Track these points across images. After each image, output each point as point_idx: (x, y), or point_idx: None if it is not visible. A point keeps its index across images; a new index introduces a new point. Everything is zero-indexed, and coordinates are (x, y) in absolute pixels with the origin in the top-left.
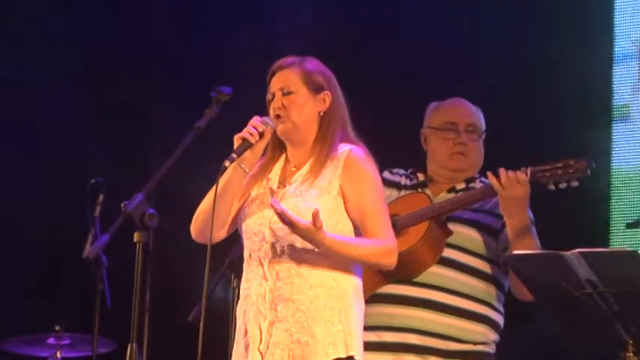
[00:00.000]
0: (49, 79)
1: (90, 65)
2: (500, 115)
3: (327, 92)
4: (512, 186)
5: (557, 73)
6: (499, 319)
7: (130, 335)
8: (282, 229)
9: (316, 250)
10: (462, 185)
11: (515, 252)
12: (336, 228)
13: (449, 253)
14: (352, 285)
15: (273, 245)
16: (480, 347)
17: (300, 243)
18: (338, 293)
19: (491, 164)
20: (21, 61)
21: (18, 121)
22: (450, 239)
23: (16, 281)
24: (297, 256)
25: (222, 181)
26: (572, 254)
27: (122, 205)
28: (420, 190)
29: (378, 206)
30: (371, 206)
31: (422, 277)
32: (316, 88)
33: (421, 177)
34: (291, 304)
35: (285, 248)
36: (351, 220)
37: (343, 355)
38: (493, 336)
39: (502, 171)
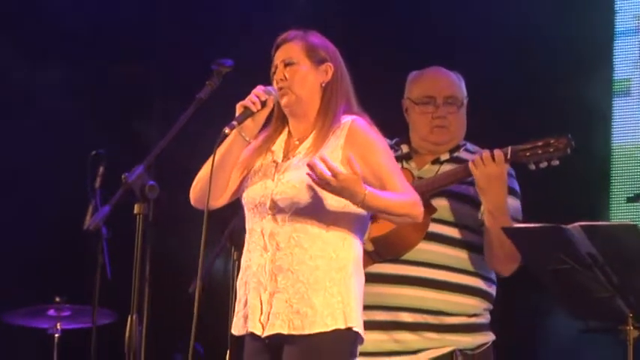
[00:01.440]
0: (47, 56)
1: (89, 41)
2: (498, 89)
3: (329, 64)
4: (487, 164)
5: (558, 47)
6: (490, 288)
7: (130, 307)
8: (284, 200)
9: (355, 204)
10: (447, 156)
11: (516, 225)
12: (337, 198)
13: (434, 227)
14: (352, 257)
15: (274, 216)
16: (473, 319)
17: (301, 214)
18: (338, 264)
19: (486, 138)
20: (18, 39)
21: (19, 95)
22: (435, 214)
23: (15, 253)
24: (299, 227)
25: (222, 148)
26: (573, 227)
27: (123, 176)
28: (404, 162)
29: (392, 167)
30: (385, 169)
31: (409, 255)
32: (319, 60)
33: (405, 148)
34: (291, 275)
35: (287, 219)
36: (372, 183)
37: (342, 327)
38: (485, 305)
39: (483, 152)
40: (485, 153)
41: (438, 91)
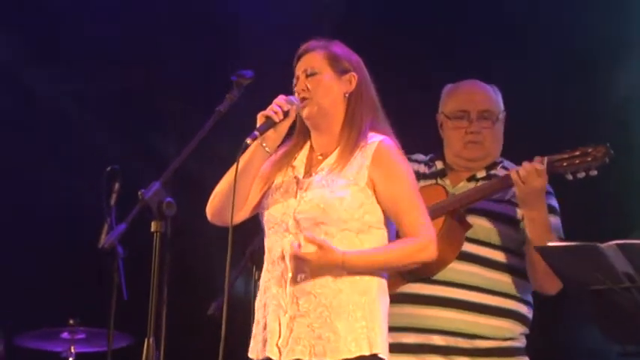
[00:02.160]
0: (61, 68)
1: (101, 53)
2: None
3: (353, 73)
4: (532, 178)
5: (596, 51)
6: (526, 311)
7: (146, 329)
8: (307, 220)
9: (342, 274)
10: (483, 173)
11: (550, 244)
12: (363, 219)
13: (469, 247)
14: (377, 279)
15: (296, 236)
16: (508, 343)
17: (324, 235)
18: (362, 287)
19: (515, 145)
20: (31, 51)
21: (32, 110)
22: (470, 233)
23: (28, 273)
24: None
25: (243, 159)
26: (609, 246)
27: (139, 193)
28: (438, 179)
29: (413, 200)
30: (405, 202)
31: (443, 275)
32: (341, 70)
33: (440, 165)
34: (313, 298)
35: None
36: (384, 212)
37: (367, 353)
38: (521, 329)
39: (523, 165)
40: (529, 166)
41: (472, 105)
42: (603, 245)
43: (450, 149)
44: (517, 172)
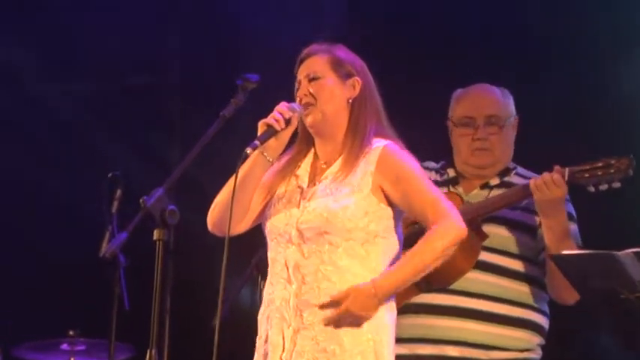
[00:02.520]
0: (62, 71)
1: (107, 56)
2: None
3: (356, 78)
4: (549, 188)
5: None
6: (543, 321)
7: (149, 340)
8: (311, 230)
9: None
10: (497, 180)
11: (564, 252)
12: (368, 228)
13: (485, 256)
14: None
15: (299, 247)
16: (525, 354)
17: (328, 245)
18: None
19: (530, 149)
20: (33, 53)
21: (33, 113)
22: (486, 241)
23: (26, 282)
24: (326, 258)
25: (243, 169)
26: (626, 254)
27: (141, 200)
28: (451, 187)
29: (428, 193)
30: (421, 198)
31: (458, 284)
32: (345, 74)
33: (451, 172)
34: (318, 311)
35: (313, 250)
36: (407, 213)
37: None
38: (537, 340)
39: (542, 176)
40: (547, 176)
41: (478, 110)
42: (620, 253)
43: (458, 157)
44: (535, 182)
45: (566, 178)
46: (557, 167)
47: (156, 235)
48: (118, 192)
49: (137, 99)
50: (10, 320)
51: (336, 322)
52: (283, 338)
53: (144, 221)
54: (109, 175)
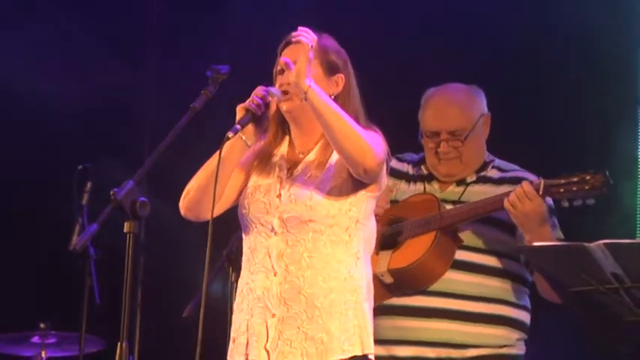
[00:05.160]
0: (37, 66)
1: (79, 49)
2: (521, 105)
3: (340, 75)
4: (522, 203)
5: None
6: (522, 316)
7: (120, 333)
8: (294, 219)
9: (302, 98)
10: (473, 177)
11: (535, 243)
12: (350, 213)
13: (461, 255)
14: (365, 278)
15: (283, 236)
16: (503, 350)
17: (312, 233)
18: (352, 286)
19: (512, 152)
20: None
21: (5, 106)
22: (463, 240)
23: None
24: (310, 247)
25: (222, 153)
26: (596, 246)
27: (111, 192)
28: (426, 183)
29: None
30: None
31: (435, 285)
32: (330, 68)
33: (425, 170)
34: (303, 299)
35: (296, 239)
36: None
37: (359, 353)
38: (516, 335)
39: (515, 190)
40: (519, 190)
41: (441, 125)
42: (591, 245)
43: (428, 161)
44: (508, 199)
45: (541, 191)
46: (530, 180)
47: (126, 227)
48: (88, 184)
49: (109, 93)
50: None
51: (322, 310)
52: (267, 327)
53: (114, 213)
54: (79, 167)
